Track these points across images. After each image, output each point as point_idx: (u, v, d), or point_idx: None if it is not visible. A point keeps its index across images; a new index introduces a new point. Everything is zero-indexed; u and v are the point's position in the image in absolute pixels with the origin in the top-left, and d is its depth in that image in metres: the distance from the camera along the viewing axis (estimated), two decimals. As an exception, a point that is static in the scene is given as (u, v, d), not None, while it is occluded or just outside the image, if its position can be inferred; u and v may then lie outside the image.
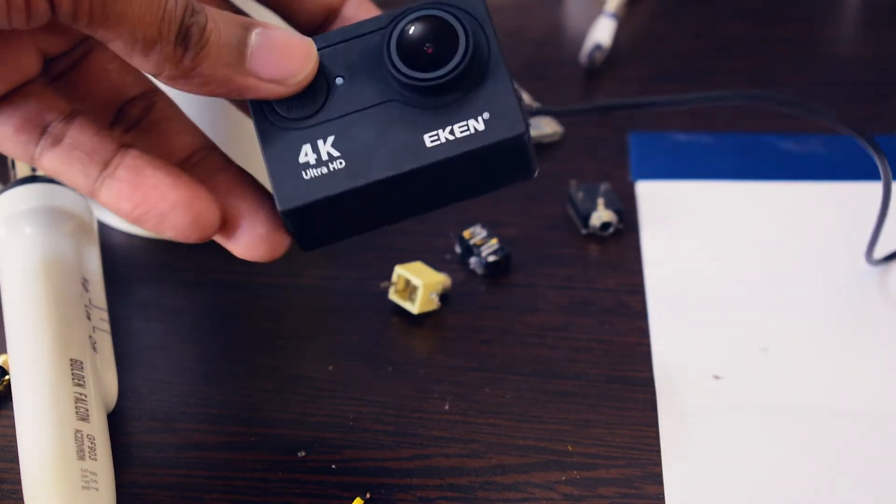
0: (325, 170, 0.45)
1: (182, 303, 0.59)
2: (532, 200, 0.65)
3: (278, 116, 0.45)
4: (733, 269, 0.61)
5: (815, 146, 0.69)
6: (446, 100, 0.45)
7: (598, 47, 0.75)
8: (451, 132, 0.45)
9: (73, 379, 0.50)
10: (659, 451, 0.51)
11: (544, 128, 0.70)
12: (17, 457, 0.48)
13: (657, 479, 0.50)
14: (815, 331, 0.57)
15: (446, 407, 0.54)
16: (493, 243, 0.60)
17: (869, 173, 0.66)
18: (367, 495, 0.50)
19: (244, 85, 0.44)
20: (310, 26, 0.48)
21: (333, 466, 0.51)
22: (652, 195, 0.65)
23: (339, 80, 0.45)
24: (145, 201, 0.44)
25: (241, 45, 0.44)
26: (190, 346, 0.57)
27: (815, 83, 0.75)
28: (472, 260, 0.60)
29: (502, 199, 0.65)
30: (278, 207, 0.44)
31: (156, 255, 0.62)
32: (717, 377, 0.55)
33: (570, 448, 0.52)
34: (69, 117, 0.46)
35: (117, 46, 0.42)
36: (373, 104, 0.45)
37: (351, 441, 0.52)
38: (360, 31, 0.46)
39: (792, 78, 0.75)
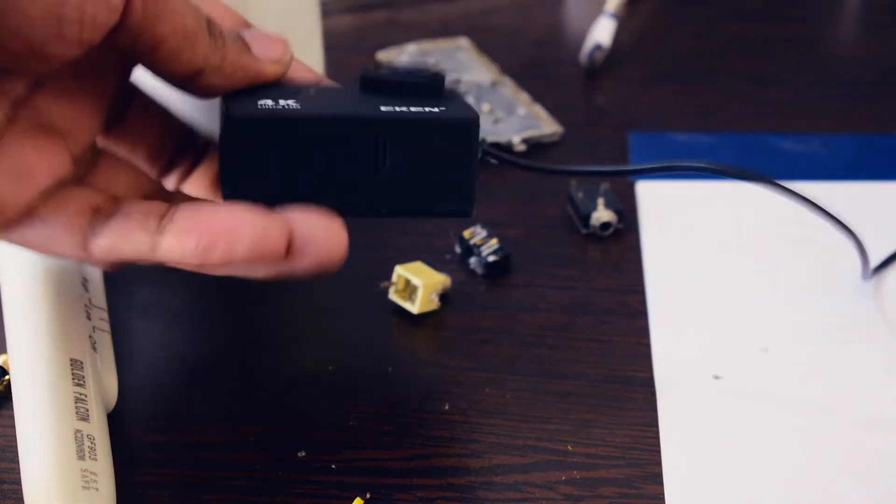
0: (278, 106, 0.46)
1: (182, 303, 0.59)
2: (532, 200, 0.65)
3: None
4: (733, 268, 0.61)
5: (816, 146, 0.69)
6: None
7: (598, 47, 0.75)
8: (407, 108, 0.46)
9: (73, 379, 0.50)
10: (659, 451, 0.51)
11: (544, 128, 0.70)
12: (17, 457, 0.48)
13: (657, 479, 0.50)
14: (815, 331, 0.57)
15: (446, 407, 0.54)
16: (494, 243, 0.61)
17: (869, 173, 0.66)
18: (367, 495, 0.50)
19: (259, 69, 0.47)
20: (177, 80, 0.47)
21: (333, 466, 0.51)
22: (652, 195, 0.65)
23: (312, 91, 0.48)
24: (210, 230, 0.43)
25: (241, 37, 0.47)
26: (190, 346, 0.57)
27: (814, 83, 0.75)
28: (473, 260, 0.60)
29: (502, 199, 0.65)
30: (226, 115, 0.45)
31: (156, 255, 0.62)
32: (717, 377, 0.55)
33: (570, 448, 0.52)
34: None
35: (171, 44, 0.43)
36: (337, 92, 0.48)
37: (351, 441, 0.52)
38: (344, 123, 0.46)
39: (792, 78, 0.75)
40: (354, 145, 0.46)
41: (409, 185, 0.46)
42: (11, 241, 0.45)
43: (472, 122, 0.46)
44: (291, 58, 0.48)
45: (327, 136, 0.46)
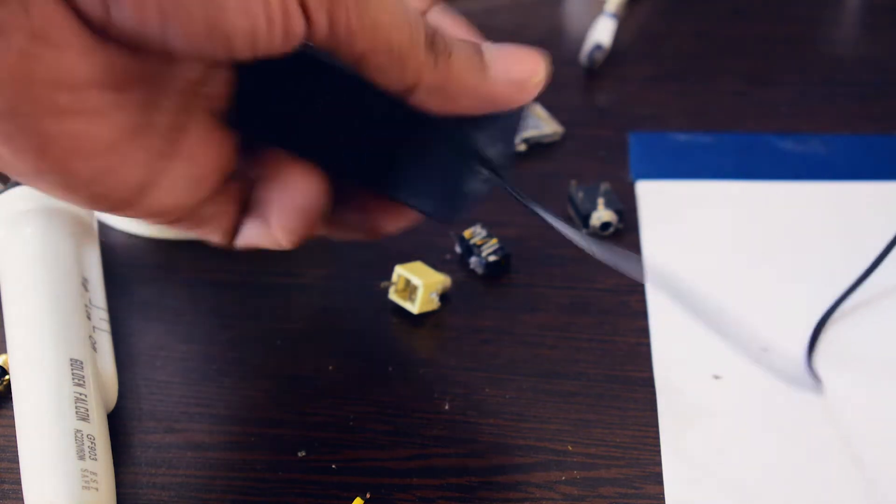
0: None
1: (182, 303, 0.59)
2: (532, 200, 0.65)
3: None
4: (733, 268, 0.61)
5: (816, 146, 0.69)
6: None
7: (598, 47, 0.75)
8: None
9: (73, 379, 0.50)
10: (659, 451, 0.51)
11: (544, 128, 0.70)
12: (17, 457, 0.48)
13: (657, 478, 0.50)
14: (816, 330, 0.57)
15: (446, 407, 0.54)
16: (494, 243, 0.60)
17: (869, 173, 0.66)
18: (367, 495, 0.50)
19: (491, 92, 0.43)
20: None
21: (333, 466, 0.51)
22: (652, 195, 0.65)
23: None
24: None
25: (479, 53, 0.43)
26: (190, 346, 0.57)
27: (814, 83, 0.75)
28: (473, 260, 0.60)
29: (502, 199, 0.65)
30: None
31: (156, 255, 0.62)
32: (717, 377, 0.55)
33: (570, 448, 0.52)
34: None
35: (374, 61, 0.41)
36: None
37: (351, 441, 0.52)
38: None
39: (791, 78, 0.75)
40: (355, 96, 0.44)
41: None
42: (157, 224, 0.45)
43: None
44: (543, 77, 0.44)
45: (330, 84, 0.44)
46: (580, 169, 0.67)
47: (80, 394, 0.50)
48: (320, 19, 0.39)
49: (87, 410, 0.49)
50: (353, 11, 0.39)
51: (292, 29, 0.39)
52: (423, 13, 0.46)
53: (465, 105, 0.43)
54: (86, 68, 0.38)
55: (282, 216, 0.45)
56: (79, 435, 0.48)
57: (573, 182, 0.64)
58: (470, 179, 0.46)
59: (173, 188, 0.43)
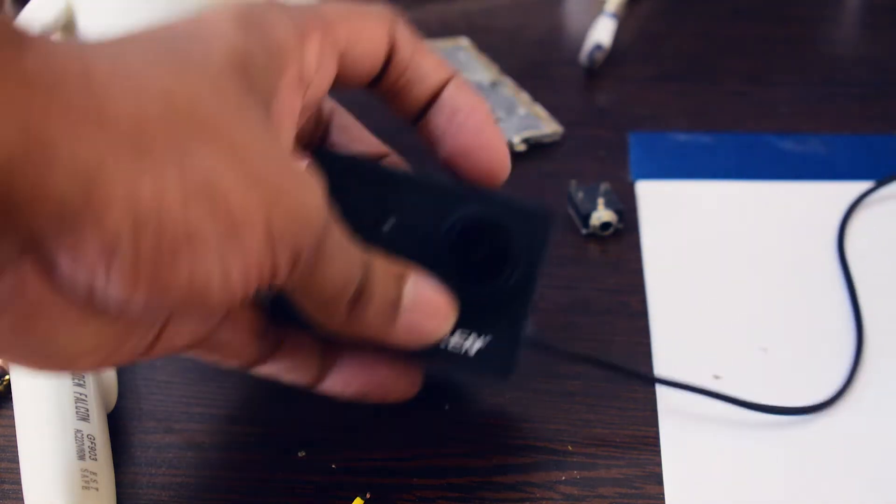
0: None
1: (182, 303, 0.59)
2: (532, 200, 0.65)
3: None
4: (734, 268, 0.61)
5: (815, 146, 0.69)
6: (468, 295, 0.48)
7: (598, 47, 0.75)
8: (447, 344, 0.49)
9: (73, 379, 0.50)
10: (659, 451, 0.51)
11: (544, 128, 0.70)
12: (17, 457, 0.48)
13: (657, 478, 0.50)
14: (814, 330, 0.57)
15: (446, 407, 0.54)
16: (494, 243, 0.60)
17: (869, 173, 0.66)
18: (367, 495, 0.50)
19: (388, 339, 0.46)
20: (413, 110, 0.50)
21: (333, 466, 0.51)
22: (652, 195, 0.65)
23: (392, 221, 0.48)
24: (372, 382, 0.49)
25: (396, 301, 0.46)
26: (190, 345, 0.57)
27: (814, 83, 0.75)
28: (472, 260, 0.60)
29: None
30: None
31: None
32: (717, 377, 0.55)
33: (570, 448, 0.52)
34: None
35: (298, 300, 0.44)
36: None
37: (351, 441, 0.52)
38: (430, 188, 0.48)
39: (791, 78, 0.75)
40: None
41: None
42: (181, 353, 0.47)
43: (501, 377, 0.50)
44: (443, 335, 0.47)
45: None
46: (580, 169, 0.67)
47: (80, 394, 0.50)
48: (281, 283, 0.42)
49: (87, 410, 0.49)
50: (306, 277, 0.42)
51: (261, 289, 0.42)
52: (442, 87, 0.49)
53: (354, 339, 0.46)
54: (80, 336, 0.41)
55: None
56: (79, 435, 0.48)
57: (573, 182, 0.64)
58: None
59: (180, 332, 0.46)
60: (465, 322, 0.48)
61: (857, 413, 0.53)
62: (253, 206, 0.39)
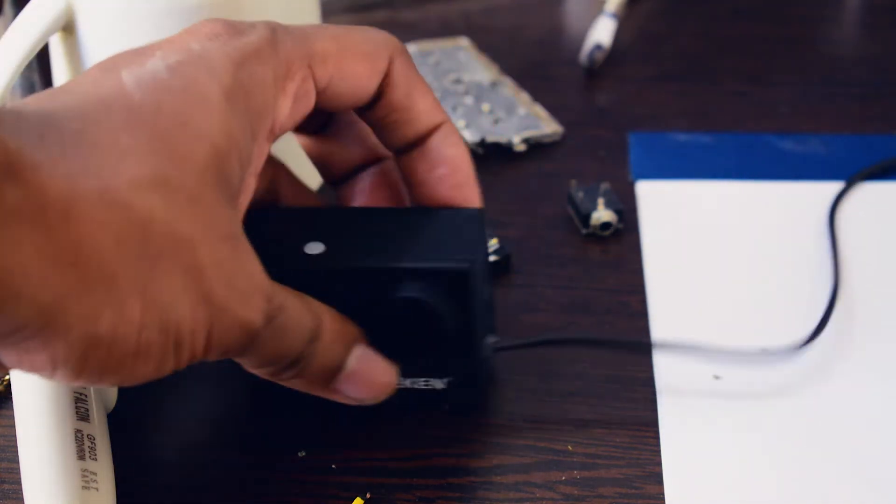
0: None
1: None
2: (532, 200, 0.65)
3: None
4: (734, 268, 0.61)
5: (816, 146, 0.69)
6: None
7: (598, 47, 0.75)
8: (412, 384, 0.52)
9: (73, 379, 0.50)
10: (659, 451, 0.51)
11: (544, 128, 0.70)
12: (17, 457, 0.48)
13: (657, 478, 0.50)
14: (815, 330, 0.57)
15: (446, 407, 0.53)
16: (494, 243, 0.61)
17: (870, 173, 0.66)
18: (367, 495, 0.50)
19: (324, 395, 0.48)
20: (401, 146, 0.51)
21: (333, 466, 0.51)
22: (652, 195, 0.65)
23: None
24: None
25: (338, 368, 0.48)
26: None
27: (814, 83, 0.75)
28: (472, 260, 0.60)
29: (503, 199, 0.65)
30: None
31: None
32: (717, 377, 0.55)
33: (570, 448, 0.52)
34: None
35: (245, 359, 0.46)
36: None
37: (351, 441, 0.52)
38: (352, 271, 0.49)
39: (792, 78, 0.75)
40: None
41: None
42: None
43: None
44: (380, 401, 0.49)
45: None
46: (580, 169, 0.67)
47: (80, 393, 0.50)
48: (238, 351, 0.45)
49: (87, 410, 0.49)
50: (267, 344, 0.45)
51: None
52: (430, 132, 0.51)
53: (292, 387, 0.48)
54: None
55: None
56: (79, 435, 0.48)
57: (573, 182, 0.65)
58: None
59: None
60: (421, 371, 0.51)
61: (860, 413, 0.53)
62: (200, 324, 0.42)
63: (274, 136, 0.47)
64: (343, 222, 0.51)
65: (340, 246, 0.50)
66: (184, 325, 0.41)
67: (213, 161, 0.42)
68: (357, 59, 0.48)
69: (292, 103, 0.47)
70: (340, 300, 0.48)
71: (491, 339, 0.51)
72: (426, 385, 0.52)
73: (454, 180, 0.52)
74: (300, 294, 0.46)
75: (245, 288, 0.43)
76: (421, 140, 0.51)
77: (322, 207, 0.54)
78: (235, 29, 0.46)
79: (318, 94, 0.48)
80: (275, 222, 0.51)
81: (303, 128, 0.53)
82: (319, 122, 0.53)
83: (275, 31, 0.46)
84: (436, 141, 0.51)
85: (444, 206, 0.51)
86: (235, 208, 0.44)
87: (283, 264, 0.49)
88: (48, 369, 0.39)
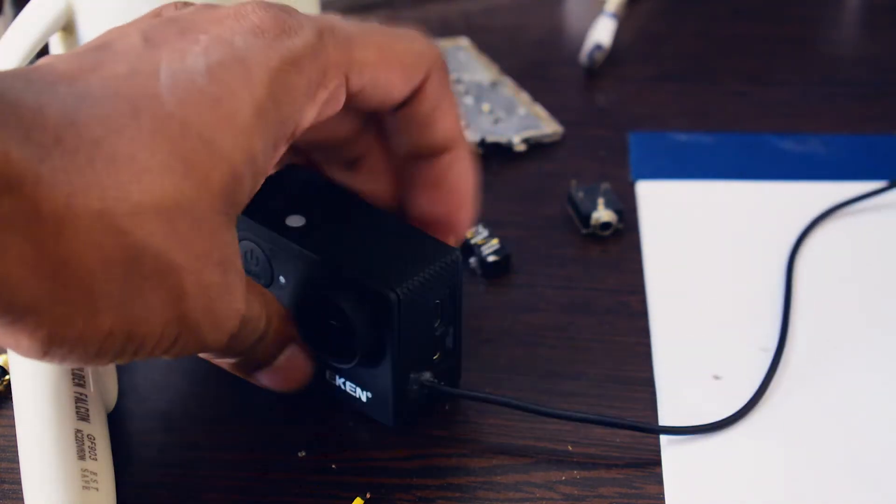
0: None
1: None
2: (532, 200, 0.65)
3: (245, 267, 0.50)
4: (734, 268, 0.61)
5: (815, 146, 0.69)
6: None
7: (598, 47, 0.75)
8: (343, 385, 0.53)
9: (73, 379, 0.50)
10: (659, 451, 0.51)
11: (544, 128, 0.70)
12: (17, 457, 0.48)
13: (657, 478, 0.50)
14: (816, 330, 0.57)
15: (446, 407, 0.54)
16: (494, 243, 0.60)
17: (869, 173, 0.66)
18: (367, 495, 0.50)
19: (242, 376, 0.52)
20: (405, 153, 0.52)
21: (333, 466, 0.51)
22: (652, 195, 0.65)
23: (281, 279, 0.51)
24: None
25: (268, 364, 0.50)
26: (190, 345, 0.57)
27: (814, 83, 0.75)
28: (473, 260, 0.60)
29: (503, 199, 0.65)
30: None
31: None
32: (717, 377, 0.55)
33: (570, 448, 0.52)
34: None
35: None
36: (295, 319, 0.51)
37: (351, 441, 0.52)
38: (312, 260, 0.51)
39: (792, 78, 0.75)
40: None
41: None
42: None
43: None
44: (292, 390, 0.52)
45: None
46: (580, 169, 0.67)
47: (80, 394, 0.50)
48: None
49: (87, 410, 0.49)
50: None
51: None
52: (443, 150, 0.51)
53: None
54: None
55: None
56: (79, 435, 0.48)
57: (573, 182, 0.64)
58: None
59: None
60: (349, 376, 0.52)
61: (858, 413, 0.53)
62: (166, 339, 0.43)
63: (294, 138, 0.46)
64: (332, 205, 0.52)
65: (317, 230, 0.51)
66: (150, 338, 0.43)
67: (228, 184, 0.43)
68: (394, 69, 0.48)
69: (321, 107, 0.46)
70: (295, 278, 0.51)
71: (423, 376, 0.51)
72: (353, 392, 0.52)
73: (451, 203, 0.52)
74: (263, 294, 0.48)
75: (222, 313, 0.44)
76: (431, 155, 0.51)
77: (322, 181, 0.54)
78: (283, 27, 0.45)
79: (348, 98, 0.48)
80: (274, 183, 0.51)
81: (329, 162, 0.53)
82: (348, 160, 0.53)
83: (321, 36, 0.46)
84: (444, 161, 0.51)
85: (432, 224, 0.52)
86: (235, 226, 0.44)
87: (260, 225, 0.51)
88: (12, 348, 0.41)
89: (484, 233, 0.61)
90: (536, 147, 0.69)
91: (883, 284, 0.59)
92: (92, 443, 0.48)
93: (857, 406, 0.53)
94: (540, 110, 0.71)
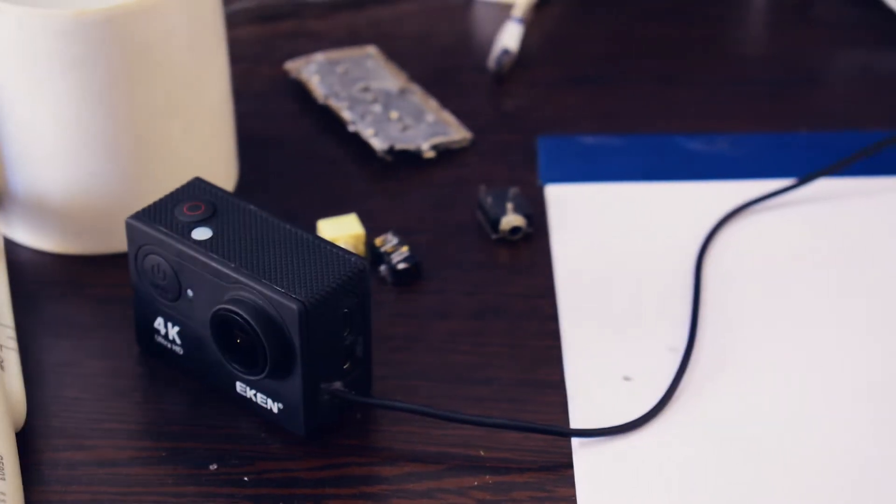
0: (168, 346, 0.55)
1: (91, 318, 0.59)
2: (442, 207, 0.65)
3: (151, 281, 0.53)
4: (643, 269, 0.61)
5: (723, 145, 0.69)
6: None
7: (505, 52, 0.76)
8: (255, 397, 0.53)
9: (-22, 398, 0.49)
10: (571, 454, 0.52)
11: (453, 134, 0.70)
12: (-76, 479, 0.48)
13: (570, 481, 0.51)
14: (724, 329, 0.57)
15: (358, 416, 0.53)
16: (404, 251, 0.61)
17: (776, 171, 0.67)
18: (280, 507, 0.50)
19: None
20: None
21: (246, 479, 0.51)
22: (561, 198, 0.65)
23: (189, 293, 0.53)
24: None
25: None
26: (99, 361, 0.57)
27: (722, 83, 0.75)
28: (382, 268, 0.60)
29: (413, 206, 0.65)
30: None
31: (64, 271, 0.61)
32: (627, 378, 0.55)
33: (482, 453, 0.52)
34: None
35: None
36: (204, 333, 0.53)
37: (263, 452, 0.52)
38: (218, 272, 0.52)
39: (699, 78, 0.76)
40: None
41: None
42: None
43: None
44: None
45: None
46: (489, 174, 0.67)
47: (-13, 413, 0.49)
48: None
49: (-6, 430, 0.49)
50: None
51: None
52: None
53: None
54: None
55: None
56: (-14, 455, 0.48)
57: (482, 187, 0.65)
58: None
59: None
60: (260, 388, 0.52)
61: (771, 412, 0.53)
62: None
63: None
64: (238, 218, 0.53)
65: (223, 242, 0.52)
66: None
67: None
68: None
69: None
70: (203, 291, 0.51)
71: (333, 386, 0.52)
72: (264, 404, 0.53)
73: None
74: None
75: None
76: None
77: (228, 195, 0.54)
78: None
79: None
80: (180, 197, 0.53)
81: None
82: None
83: None
84: None
85: None
86: None
87: (166, 239, 0.52)
88: None
89: (394, 240, 0.61)
90: (445, 153, 0.69)
91: (789, 282, 0.60)
92: (0, 462, 0.48)
93: (764, 403, 0.54)
94: (448, 117, 0.71)
